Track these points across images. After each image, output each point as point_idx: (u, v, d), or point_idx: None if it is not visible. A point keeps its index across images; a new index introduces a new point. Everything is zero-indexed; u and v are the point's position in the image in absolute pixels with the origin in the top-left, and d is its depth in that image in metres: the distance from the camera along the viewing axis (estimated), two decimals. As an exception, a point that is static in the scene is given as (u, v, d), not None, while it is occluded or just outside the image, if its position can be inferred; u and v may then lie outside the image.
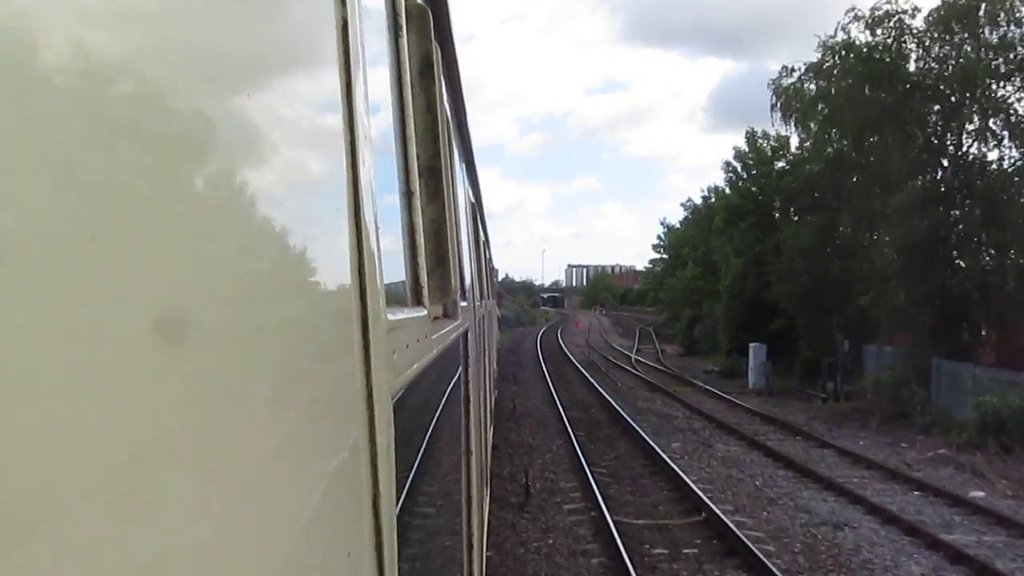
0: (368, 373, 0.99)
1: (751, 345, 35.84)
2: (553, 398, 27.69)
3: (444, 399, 2.22)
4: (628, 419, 22.84)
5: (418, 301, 1.51)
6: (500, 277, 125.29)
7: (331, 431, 1.00)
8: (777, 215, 44.14)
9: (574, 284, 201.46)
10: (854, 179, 33.73)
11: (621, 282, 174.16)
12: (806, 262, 34.67)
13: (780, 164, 43.99)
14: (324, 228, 1.07)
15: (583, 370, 38.18)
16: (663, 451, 18.64)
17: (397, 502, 1.16)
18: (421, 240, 1.55)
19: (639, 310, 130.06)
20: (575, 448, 19.21)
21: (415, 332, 1.36)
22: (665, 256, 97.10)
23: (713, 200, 61.60)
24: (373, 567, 1.19)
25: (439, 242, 1.82)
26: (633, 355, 51.62)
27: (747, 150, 46.45)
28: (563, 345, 57.76)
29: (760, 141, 45.48)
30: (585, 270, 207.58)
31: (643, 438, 19.99)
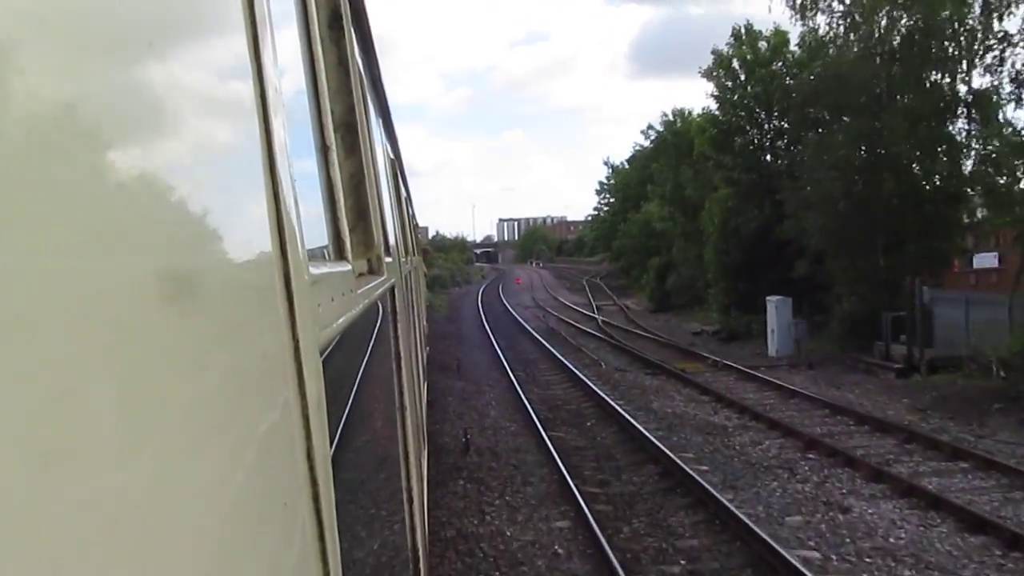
0: (293, 326, 1.16)
1: (771, 299, 29.30)
2: (521, 402, 20.36)
3: (374, 355, 2.23)
4: (661, 447, 14.37)
5: (341, 256, 1.53)
6: (431, 234, 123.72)
7: (259, 384, 1.01)
8: (786, 126, 36.10)
9: (506, 238, 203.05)
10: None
11: (555, 233, 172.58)
12: (845, 181, 27.21)
13: (778, 65, 36.70)
14: (240, 187, 1.08)
15: (545, 343, 31.97)
16: (782, 546, 9.73)
17: (331, 454, 1.17)
18: (340, 196, 1.57)
19: (578, 261, 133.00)
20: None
21: (340, 286, 1.38)
22: (611, 199, 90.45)
23: (679, 124, 53.69)
24: (311, 515, 1.20)
25: (359, 197, 1.84)
26: (597, 316, 45.70)
27: (731, 53, 38.40)
28: (510, 308, 52.42)
29: (755, 41, 37.50)
30: (516, 223, 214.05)
31: (726, 508, 11.19)
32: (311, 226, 1.58)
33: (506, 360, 27.37)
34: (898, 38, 25.70)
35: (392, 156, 5.24)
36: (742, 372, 24.02)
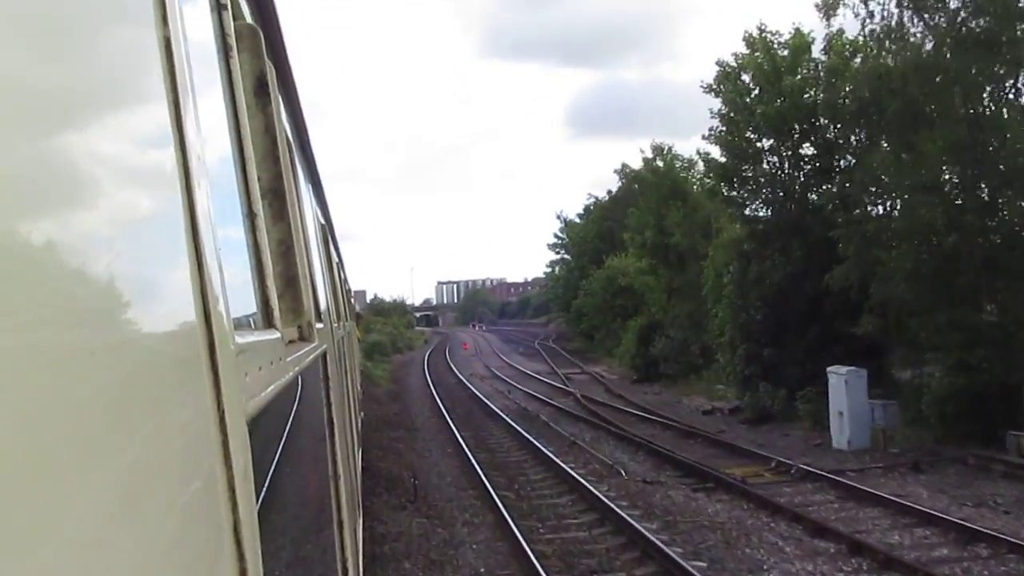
0: (218, 396, 0.99)
1: (836, 371, 22.99)
2: (531, 567, 13.10)
3: (305, 424, 2.19)
4: None
5: (270, 324, 1.52)
6: (369, 298, 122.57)
7: (183, 456, 1.02)
8: (832, 142, 30.00)
9: (445, 301, 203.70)
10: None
11: (496, 295, 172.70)
12: (946, 208, 21.49)
13: (802, 74, 30.90)
14: (162, 256, 1.10)
15: (524, 432, 26.24)
16: None
17: (260, 528, 1.14)
18: (269, 262, 1.56)
19: (521, 323, 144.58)
20: None
21: (268, 354, 1.37)
22: (565, 255, 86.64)
23: (661, 163, 49.46)
24: None
25: (287, 264, 1.83)
26: (570, 387, 41.08)
27: (740, 63, 32.29)
28: (464, 380, 47.76)
29: (770, 48, 31.49)
30: (456, 286, 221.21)
31: None
32: (238, 294, 1.57)
33: (479, 465, 21.08)
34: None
35: (323, 221, 5.25)
36: (836, 483, 18.00)
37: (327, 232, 5.80)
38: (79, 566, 0.64)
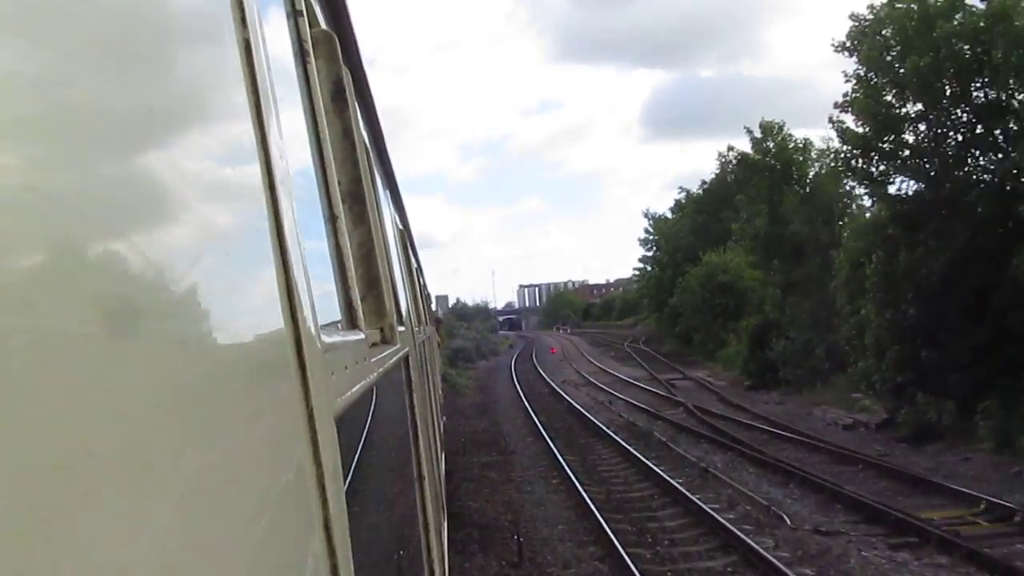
0: (307, 394, 1.04)
1: None
2: None
3: (390, 424, 2.23)
4: None
5: (353, 325, 1.54)
6: (451, 302, 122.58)
7: (274, 453, 1.06)
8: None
9: (527, 304, 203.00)
10: None
11: (579, 297, 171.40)
12: None
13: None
14: (249, 262, 1.13)
15: (638, 453, 22.60)
16: None
17: (349, 525, 1.17)
18: (351, 264, 1.60)
19: (608, 325, 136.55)
20: None
21: (352, 354, 1.39)
22: (657, 252, 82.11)
23: (772, 144, 45.57)
24: None
25: (369, 266, 1.87)
26: (679, 397, 36.37)
27: (884, 14, 28.54)
28: (556, 387, 44.55)
29: None
30: (537, 289, 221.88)
31: None
32: (323, 296, 1.59)
33: (596, 505, 17.05)
34: None
35: (401, 227, 5.31)
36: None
37: (405, 237, 5.89)
38: (178, 561, 0.66)
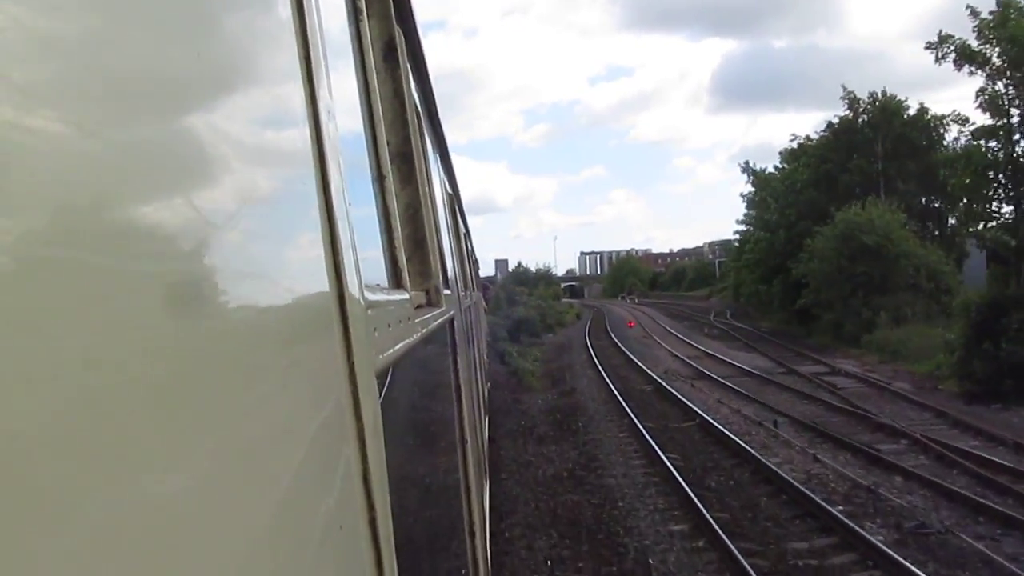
0: (349, 349, 1.23)
1: None
2: None
3: (433, 385, 2.26)
4: None
5: (398, 284, 1.56)
6: (511, 266, 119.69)
7: (315, 406, 1.08)
8: None
9: (588, 271, 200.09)
10: None
11: (643, 265, 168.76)
12: None
13: None
14: (296, 218, 1.14)
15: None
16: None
17: (390, 479, 1.20)
18: (397, 224, 1.62)
19: (676, 296, 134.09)
20: None
21: (396, 313, 1.43)
22: (762, 214, 67.62)
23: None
24: (368, 539, 1.23)
25: (415, 226, 1.89)
26: (871, 411, 24.64)
27: None
28: (658, 379, 33.12)
29: None
30: (599, 256, 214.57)
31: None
32: (369, 255, 1.61)
33: None
34: None
35: (450, 191, 5.33)
36: None
37: (454, 202, 5.91)
38: (221, 509, 0.69)
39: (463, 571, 3.22)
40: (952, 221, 52.30)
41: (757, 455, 18.55)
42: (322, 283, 1.16)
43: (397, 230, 1.99)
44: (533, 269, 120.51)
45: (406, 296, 1.89)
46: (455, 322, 3.41)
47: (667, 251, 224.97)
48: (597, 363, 39.42)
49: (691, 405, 25.81)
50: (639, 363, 38.65)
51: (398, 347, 1.69)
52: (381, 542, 1.25)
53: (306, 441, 1.01)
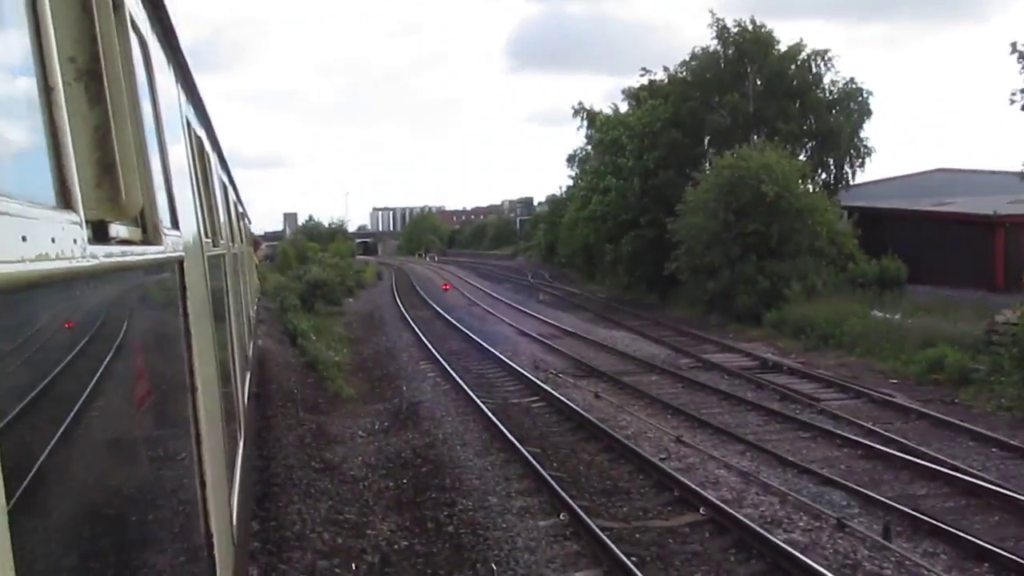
0: None
1: None
2: None
3: (142, 323, 2.16)
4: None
5: (68, 206, 1.44)
6: (302, 220, 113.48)
7: None
8: None
9: (381, 228, 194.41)
10: None
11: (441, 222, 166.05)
12: None
13: None
14: None
15: None
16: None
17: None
18: (68, 142, 1.47)
19: (477, 254, 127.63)
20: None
21: (61, 240, 1.32)
22: (606, 159, 53.97)
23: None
24: None
25: (105, 151, 1.73)
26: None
27: None
28: (554, 393, 21.25)
29: None
30: (392, 213, 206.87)
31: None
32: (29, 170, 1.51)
33: None
34: None
35: (199, 134, 5.08)
36: None
37: (203, 145, 5.62)
38: None
39: (184, 528, 3.08)
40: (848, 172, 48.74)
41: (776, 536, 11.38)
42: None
43: (67, 147, 1.82)
44: (326, 224, 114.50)
45: (75, 218, 1.73)
46: (185, 265, 3.25)
47: (461, 209, 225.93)
48: (432, 349, 28.99)
49: (639, 450, 15.69)
50: (489, 347, 29.21)
51: (42, 267, 1.52)
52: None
53: None
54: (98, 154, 2.16)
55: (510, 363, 26.37)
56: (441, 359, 27.10)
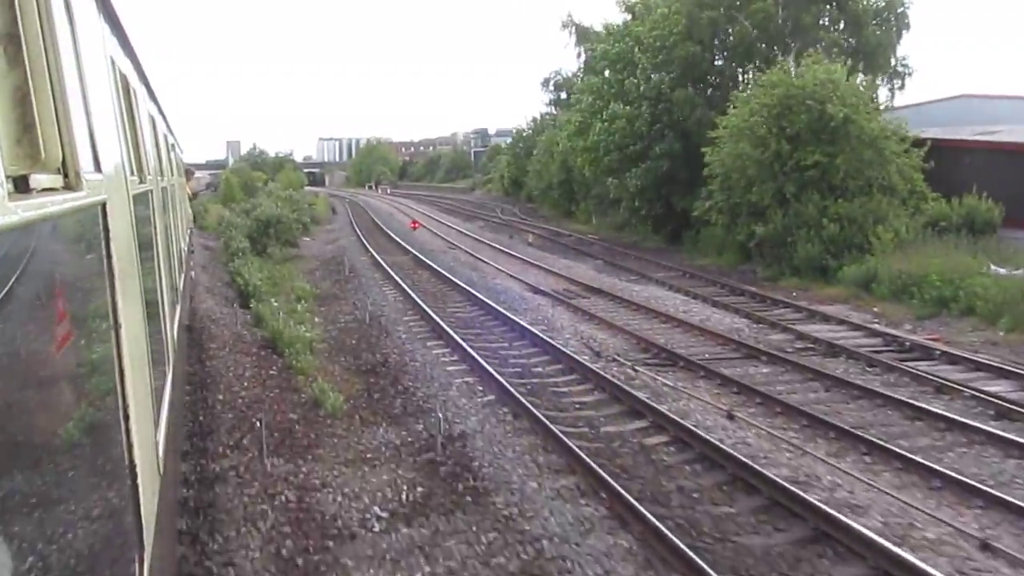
0: None
1: None
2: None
3: (62, 266, 2.35)
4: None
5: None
6: (246, 148, 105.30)
7: None
8: None
9: (327, 158, 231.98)
10: None
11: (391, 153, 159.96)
12: None
13: None
14: None
15: None
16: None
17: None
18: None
19: (431, 187, 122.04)
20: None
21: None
22: (610, 76, 45.44)
23: None
24: None
25: (25, 111, 1.92)
26: None
27: None
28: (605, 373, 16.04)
29: None
30: (339, 143, 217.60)
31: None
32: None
33: None
34: None
35: (126, 71, 5.13)
36: None
37: (128, 81, 5.65)
38: None
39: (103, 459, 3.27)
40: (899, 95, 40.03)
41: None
42: None
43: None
44: (272, 154, 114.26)
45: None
46: (107, 207, 3.38)
47: (409, 140, 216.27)
48: (435, 318, 20.86)
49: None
50: (510, 315, 21.23)
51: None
52: None
53: None
54: (18, 112, 2.30)
55: (553, 343, 18.40)
56: (458, 338, 18.78)
